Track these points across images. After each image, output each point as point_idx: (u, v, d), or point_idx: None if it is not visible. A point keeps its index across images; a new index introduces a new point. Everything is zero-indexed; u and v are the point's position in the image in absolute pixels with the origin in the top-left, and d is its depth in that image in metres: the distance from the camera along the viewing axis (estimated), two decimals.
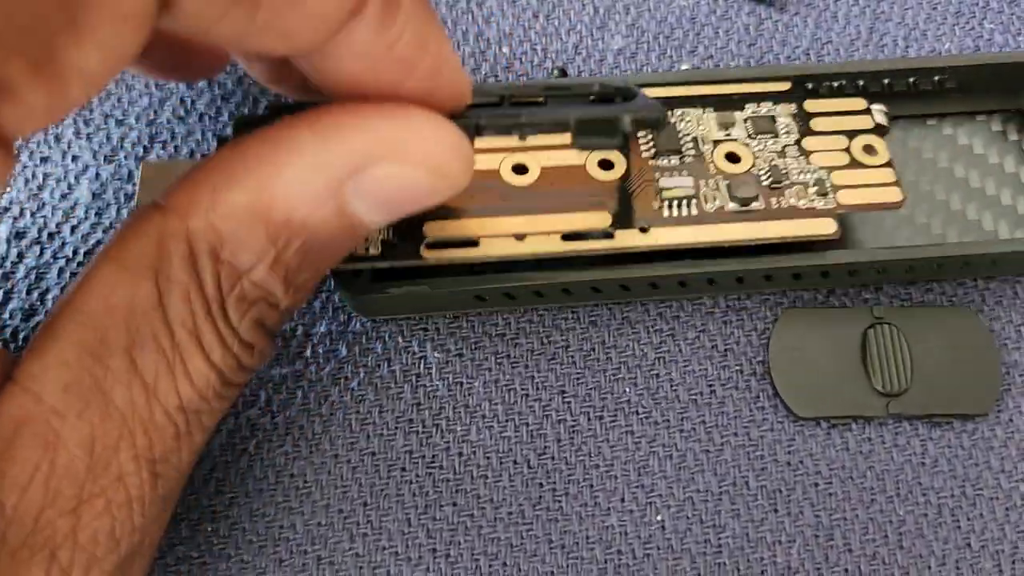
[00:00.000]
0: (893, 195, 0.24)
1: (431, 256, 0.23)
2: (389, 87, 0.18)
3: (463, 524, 0.23)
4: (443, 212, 0.23)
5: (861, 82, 0.26)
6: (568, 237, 0.23)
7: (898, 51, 0.29)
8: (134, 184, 0.27)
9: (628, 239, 0.23)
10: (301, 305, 0.21)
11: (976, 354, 0.25)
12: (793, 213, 0.24)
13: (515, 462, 0.24)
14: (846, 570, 0.23)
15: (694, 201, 0.24)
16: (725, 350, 0.25)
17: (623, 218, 0.23)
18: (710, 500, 0.24)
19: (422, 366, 0.25)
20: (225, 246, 0.18)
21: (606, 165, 0.24)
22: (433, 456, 0.24)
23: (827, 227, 0.24)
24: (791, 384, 0.24)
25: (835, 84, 0.26)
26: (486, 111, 0.20)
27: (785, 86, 0.26)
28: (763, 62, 0.29)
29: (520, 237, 0.23)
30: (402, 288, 0.23)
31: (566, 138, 0.23)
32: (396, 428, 0.24)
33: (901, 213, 0.26)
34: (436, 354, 0.25)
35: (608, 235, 0.23)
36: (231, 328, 0.19)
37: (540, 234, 0.23)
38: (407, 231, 0.23)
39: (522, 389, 0.25)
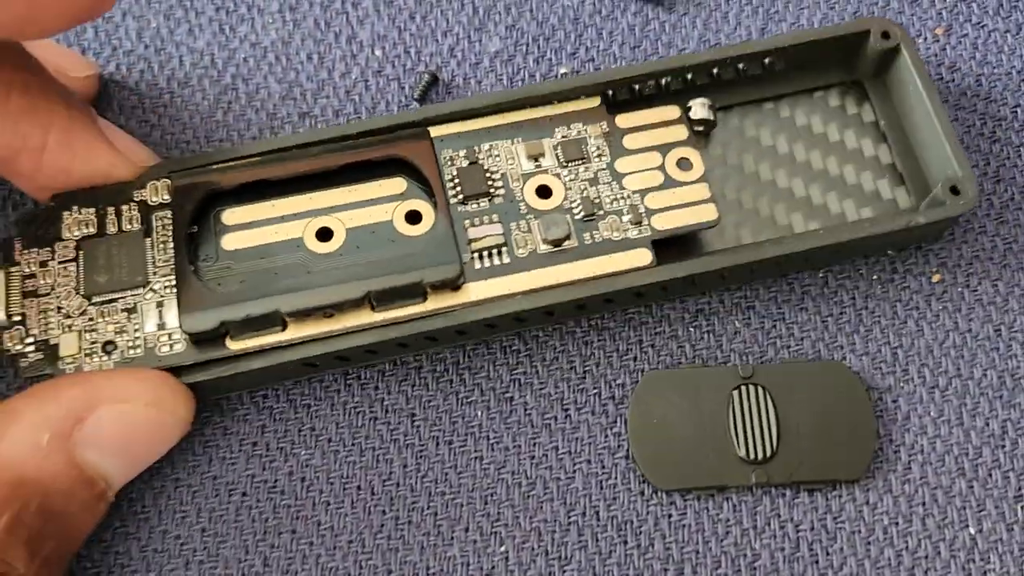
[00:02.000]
0: (709, 213, 0.23)
1: (236, 346, 0.22)
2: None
3: (301, 552, 0.23)
4: (244, 294, 0.22)
5: (689, 76, 0.25)
6: (380, 303, 0.22)
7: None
8: None
9: (441, 299, 0.22)
10: None
11: (849, 413, 0.23)
12: (608, 247, 0.23)
13: (359, 488, 0.23)
14: None
15: (505, 249, 0.23)
16: (584, 372, 0.24)
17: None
18: (557, 531, 0.23)
19: (268, 388, 0.24)
20: None
21: (414, 217, 0.23)
22: (275, 480, 0.23)
23: (643, 258, 0.22)
24: (650, 454, 0.23)
25: (656, 83, 0.25)
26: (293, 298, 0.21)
27: (595, 103, 0.24)
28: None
29: (329, 314, 0.22)
30: (227, 367, 0.22)
31: (370, 191, 0.23)
32: (240, 451, 0.24)
33: (745, 208, 0.25)
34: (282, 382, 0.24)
35: (421, 296, 0.22)
36: None
37: (347, 307, 0.22)
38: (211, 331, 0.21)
39: (370, 411, 0.24)
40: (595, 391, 0.24)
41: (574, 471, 0.23)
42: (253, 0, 0.28)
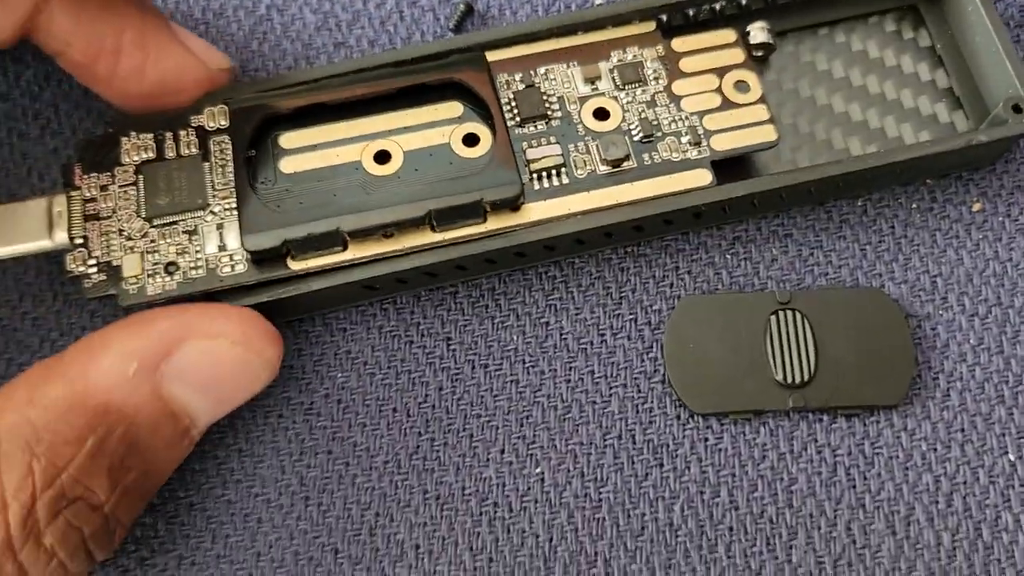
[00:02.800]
0: (768, 134, 0.23)
1: (297, 266, 0.22)
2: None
3: (337, 472, 0.23)
4: (304, 214, 0.22)
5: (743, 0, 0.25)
6: (440, 223, 0.22)
7: None
8: None
9: (501, 219, 0.22)
10: (133, 517, 0.20)
11: (887, 339, 0.23)
12: (667, 167, 0.23)
13: (394, 410, 0.23)
14: (730, 528, 0.22)
15: (564, 170, 0.23)
16: (620, 298, 0.24)
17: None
18: (593, 453, 0.23)
19: (319, 313, 0.24)
20: (41, 440, 0.18)
21: (472, 140, 0.23)
22: (311, 403, 0.23)
23: (703, 178, 0.22)
24: (686, 378, 0.23)
25: (711, 7, 0.25)
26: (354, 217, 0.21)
27: (650, 27, 0.24)
28: None
29: (388, 234, 0.22)
30: (288, 288, 0.22)
31: (426, 115, 0.23)
32: (281, 373, 0.24)
33: (801, 132, 0.25)
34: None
35: (481, 217, 0.22)
36: (36, 538, 0.18)
37: (408, 226, 0.22)
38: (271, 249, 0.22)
39: (406, 335, 0.24)
40: (631, 316, 0.24)
41: (610, 395, 0.23)
42: None
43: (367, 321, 0.24)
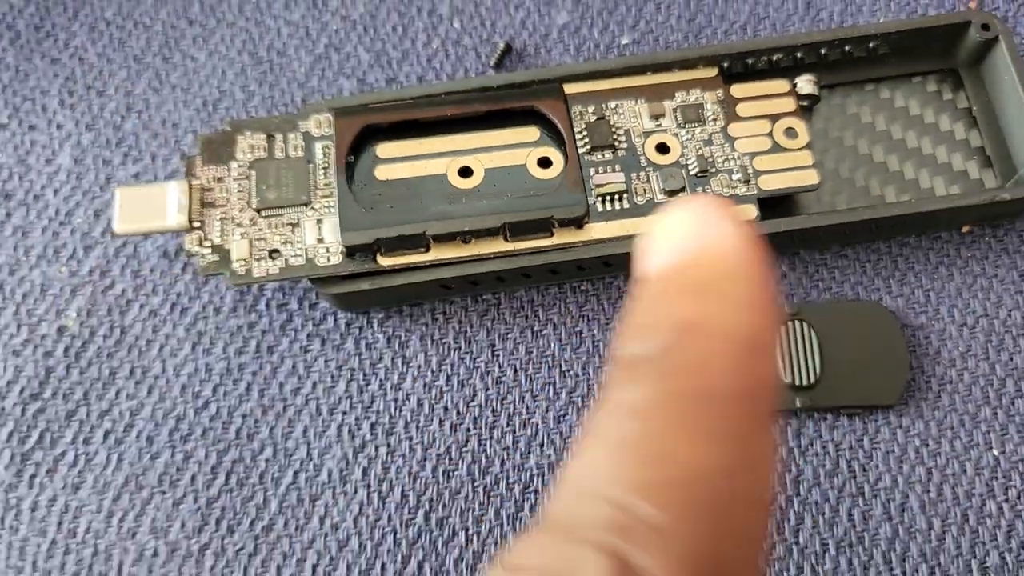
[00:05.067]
0: (811, 178, 0.26)
1: (386, 261, 0.25)
2: None
3: (395, 464, 0.26)
4: (395, 216, 0.25)
5: (799, 54, 0.27)
6: (513, 234, 0.25)
7: (833, 24, 0.30)
8: (111, 150, 0.29)
9: (566, 235, 0.25)
10: None
11: (885, 347, 0.26)
12: None
13: (445, 408, 0.26)
14: None
15: (625, 195, 0.26)
16: None
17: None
18: None
19: (364, 321, 0.27)
20: None
21: (545, 163, 0.26)
22: (371, 400, 0.26)
23: (748, 213, 0.25)
24: None
25: (768, 59, 0.27)
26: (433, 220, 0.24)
27: (713, 72, 0.27)
28: (700, 38, 0.30)
29: (466, 239, 0.25)
30: (374, 280, 0.25)
31: (507, 137, 0.26)
32: (339, 375, 0.27)
33: (842, 177, 0.28)
34: (377, 314, 0.27)
35: (549, 232, 0.25)
36: None
37: (484, 234, 0.25)
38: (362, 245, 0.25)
39: (455, 343, 0.27)
40: None
41: None
42: None
43: (419, 329, 0.27)
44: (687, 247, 0.12)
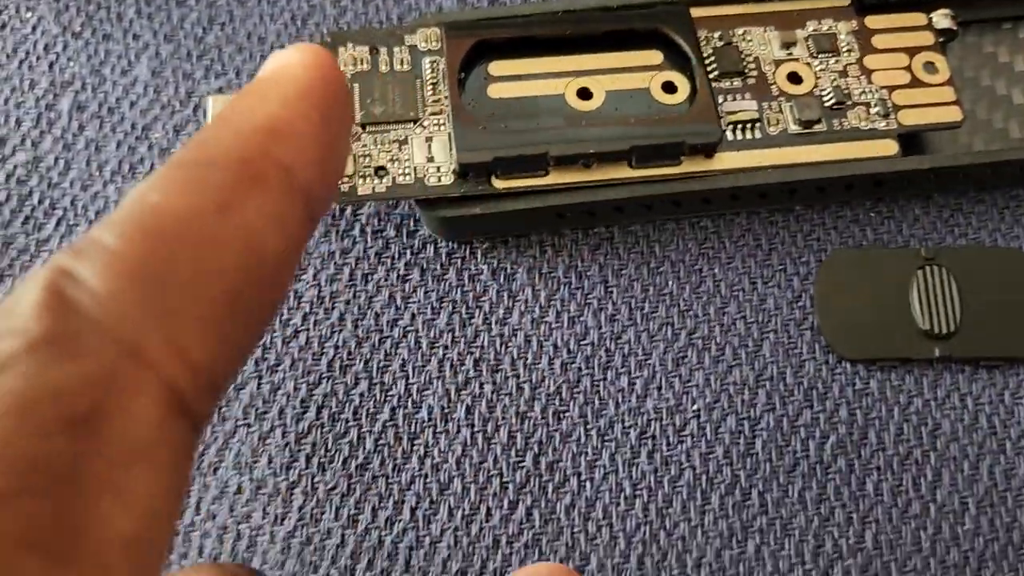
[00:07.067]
0: (953, 114, 0.24)
1: (501, 184, 0.23)
2: None
3: (502, 403, 0.24)
4: (511, 137, 0.23)
5: None
6: (639, 160, 0.23)
7: None
8: (192, 63, 0.27)
9: (694, 164, 0.23)
10: None
11: None
12: (855, 135, 0.24)
13: (555, 346, 0.24)
14: (878, 468, 0.23)
15: (758, 124, 0.24)
16: (770, 249, 0.25)
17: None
18: (746, 394, 0.24)
19: (466, 251, 0.25)
20: None
21: (670, 88, 0.24)
22: (475, 335, 0.24)
23: (888, 148, 0.24)
24: (836, 326, 0.24)
25: None
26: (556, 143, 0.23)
27: (845, 2, 0.26)
28: None
29: (588, 164, 0.23)
30: (488, 205, 0.23)
31: (628, 60, 0.24)
32: (440, 308, 0.25)
33: (979, 119, 0.26)
34: (481, 244, 0.25)
35: (677, 159, 0.23)
36: None
37: (609, 159, 0.23)
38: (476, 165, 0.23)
39: (564, 277, 0.25)
40: (780, 267, 0.25)
41: (761, 340, 0.24)
42: None
43: (527, 261, 0.25)
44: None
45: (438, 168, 0.23)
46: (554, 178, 0.23)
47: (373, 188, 0.23)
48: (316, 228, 0.22)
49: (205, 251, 0.11)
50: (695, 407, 0.24)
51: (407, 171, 0.23)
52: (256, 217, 0.12)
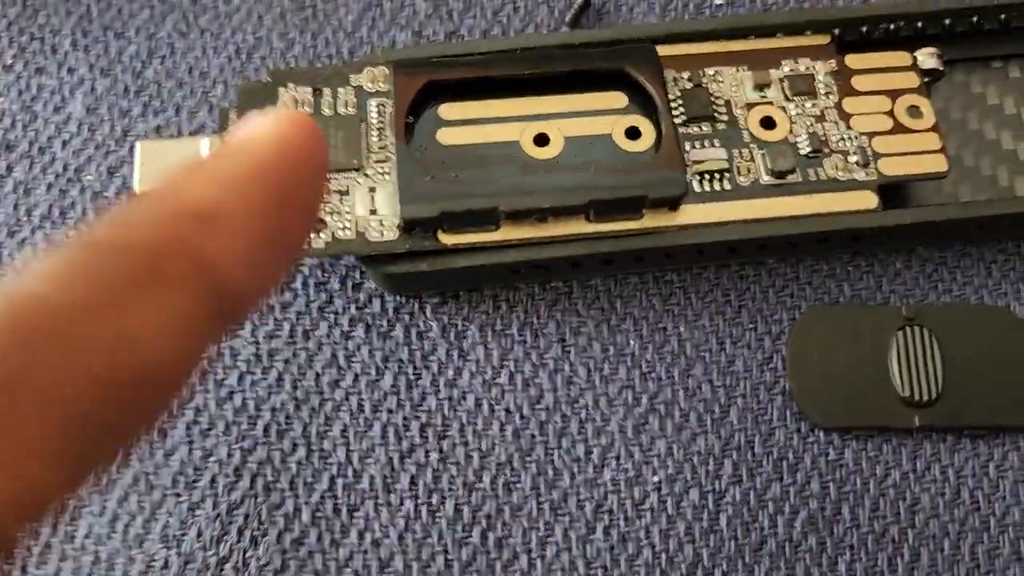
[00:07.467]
0: (938, 164, 0.23)
1: (448, 240, 0.21)
2: None
3: (448, 472, 0.22)
4: (461, 188, 0.21)
5: (920, 24, 0.24)
6: (598, 214, 0.21)
7: None
8: (129, 100, 0.26)
9: (657, 218, 0.22)
10: None
11: (1016, 360, 0.22)
12: (832, 186, 0.22)
13: (507, 410, 0.23)
14: (851, 546, 0.21)
15: (727, 174, 0.22)
16: (739, 306, 0.23)
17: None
18: (711, 464, 0.22)
19: (415, 306, 0.24)
20: None
21: (634, 134, 0.22)
22: (422, 398, 0.23)
23: (868, 201, 0.22)
24: (809, 391, 0.22)
25: (886, 28, 0.24)
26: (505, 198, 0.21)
27: (825, 40, 0.24)
28: (804, 1, 0.26)
29: (542, 218, 0.21)
30: (434, 261, 0.22)
31: (590, 102, 0.23)
32: (385, 368, 0.23)
33: (965, 165, 0.24)
34: (431, 299, 0.24)
35: (638, 213, 0.22)
36: None
37: (565, 213, 0.21)
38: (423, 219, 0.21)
39: (519, 335, 0.23)
40: (751, 325, 0.23)
41: (728, 405, 0.23)
42: None
43: (479, 318, 0.23)
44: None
45: (381, 222, 0.21)
46: (505, 233, 0.22)
47: (310, 244, 0.21)
48: (238, 327, 0.21)
49: (73, 356, 0.10)
50: (656, 479, 0.22)
51: (348, 225, 0.21)
52: (150, 317, 0.11)
